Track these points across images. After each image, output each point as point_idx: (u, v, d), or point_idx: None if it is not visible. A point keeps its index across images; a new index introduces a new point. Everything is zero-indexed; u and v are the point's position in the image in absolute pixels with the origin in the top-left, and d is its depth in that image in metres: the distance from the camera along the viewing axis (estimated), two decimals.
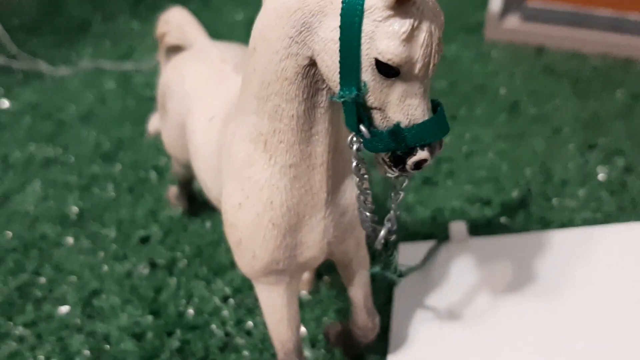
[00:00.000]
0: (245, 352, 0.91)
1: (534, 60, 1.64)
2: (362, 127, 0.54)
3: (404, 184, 0.63)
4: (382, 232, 0.64)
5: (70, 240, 1.13)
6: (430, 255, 0.99)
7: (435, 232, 1.08)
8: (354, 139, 0.56)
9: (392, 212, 0.65)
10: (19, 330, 0.96)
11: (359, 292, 0.77)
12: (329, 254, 0.70)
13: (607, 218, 1.08)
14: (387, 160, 0.56)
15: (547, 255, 0.94)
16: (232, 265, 1.05)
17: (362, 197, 0.61)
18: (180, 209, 1.17)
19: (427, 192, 1.19)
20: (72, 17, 1.91)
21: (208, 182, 0.76)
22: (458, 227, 1.01)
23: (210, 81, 0.80)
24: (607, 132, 1.32)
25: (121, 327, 0.95)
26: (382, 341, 0.88)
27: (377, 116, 0.54)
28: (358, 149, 0.56)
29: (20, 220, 1.17)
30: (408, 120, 0.53)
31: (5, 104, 1.54)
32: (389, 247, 0.66)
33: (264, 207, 0.64)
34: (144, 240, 1.12)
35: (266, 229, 0.65)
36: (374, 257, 0.74)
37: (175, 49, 1.00)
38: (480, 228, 1.08)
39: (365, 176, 0.59)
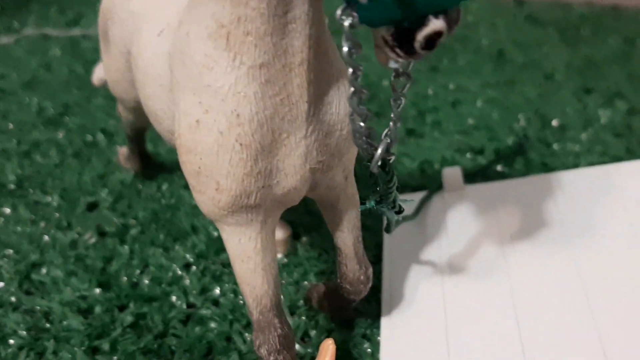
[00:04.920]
0: (212, 324, 0.76)
1: (515, 11, 1.53)
2: None
3: (406, 87, 0.50)
4: (379, 150, 0.50)
5: (7, 210, 0.97)
6: (422, 205, 0.86)
7: (424, 184, 0.95)
8: (347, 10, 0.42)
9: (391, 124, 0.51)
10: None
11: (348, 237, 0.63)
12: (312, 186, 0.57)
13: (616, 161, 0.96)
14: (391, 39, 0.42)
15: (559, 197, 0.82)
16: (194, 230, 0.91)
17: (355, 98, 0.47)
18: (132, 173, 1.03)
19: (413, 144, 1.06)
20: None
21: (159, 109, 0.62)
22: (452, 173, 0.88)
23: None
24: (604, 77, 1.21)
25: (64, 302, 0.80)
26: (373, 302, 0.76)
27: None
28: (352, 25, 0.42)
29: None
30: None
31: None
32: (388, 171, 0.52)
33: (228, 122, 0.50)
34: (91, 207, 0.98)
35: (232, 150, 0.50)
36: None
37: None
38: (474, 177, 0.95)
39: (360, 67, 0.45)
